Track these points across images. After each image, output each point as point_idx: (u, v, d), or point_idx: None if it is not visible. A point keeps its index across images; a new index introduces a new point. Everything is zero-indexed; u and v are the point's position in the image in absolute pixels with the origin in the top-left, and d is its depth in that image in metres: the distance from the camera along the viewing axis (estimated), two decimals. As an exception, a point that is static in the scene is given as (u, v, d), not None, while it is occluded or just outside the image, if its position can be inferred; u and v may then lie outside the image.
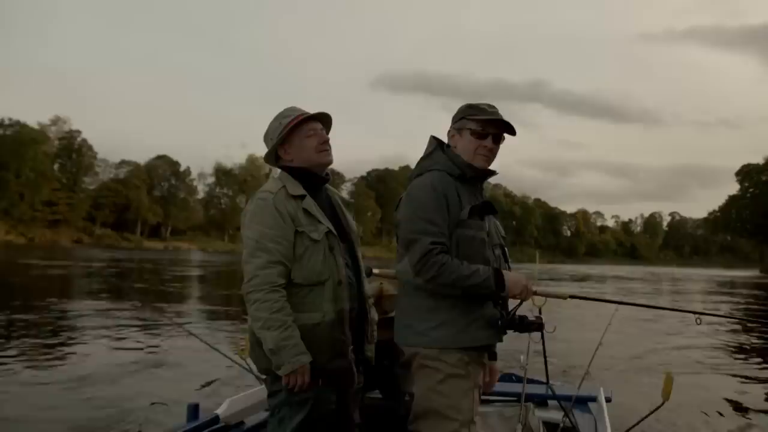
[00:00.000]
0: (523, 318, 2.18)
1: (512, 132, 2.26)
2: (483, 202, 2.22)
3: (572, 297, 2.46)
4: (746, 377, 8.24)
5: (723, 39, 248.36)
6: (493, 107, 2.26)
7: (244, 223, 2.34)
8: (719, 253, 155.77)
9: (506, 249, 2.38)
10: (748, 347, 10.76)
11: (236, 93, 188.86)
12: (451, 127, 2.29)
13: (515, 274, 2.16)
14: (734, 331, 12.93)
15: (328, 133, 2.51)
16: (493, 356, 2.41)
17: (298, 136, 2.43)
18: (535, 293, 2.22)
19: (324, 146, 2.45)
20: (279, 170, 2.51)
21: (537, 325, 2.21)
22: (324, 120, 2.50)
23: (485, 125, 2.21)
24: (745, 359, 9.66)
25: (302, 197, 2.35)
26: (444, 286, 2.08)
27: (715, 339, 11.60)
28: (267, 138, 2.49)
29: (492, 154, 2.26)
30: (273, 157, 2.50)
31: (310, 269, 2.29)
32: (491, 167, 2.30)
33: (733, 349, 10.56)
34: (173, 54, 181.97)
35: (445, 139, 2.34)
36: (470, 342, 2.13)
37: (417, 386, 2.15)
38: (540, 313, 3.08)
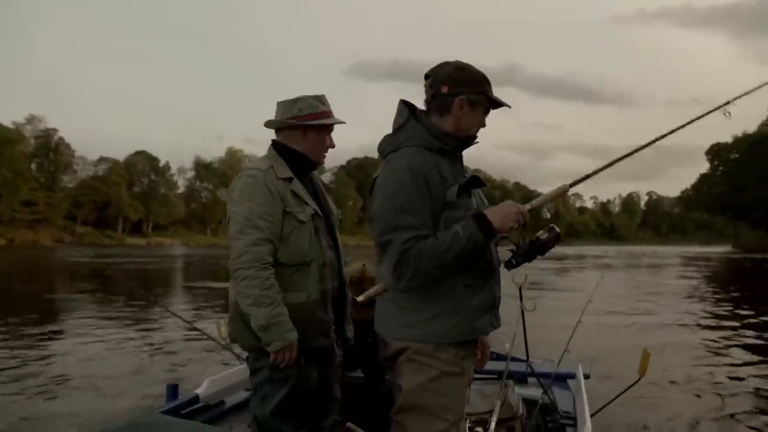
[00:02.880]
0: (535, 241, 1.92)
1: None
2: (470, 179, 1.95)
3: (573, 185, 2.00)
4: (723, 353, 8.35)
5: (692, 19, 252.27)
6: None
7: (232, 199, 2.29)
8: (696, 230, 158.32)
9: None
10: (726, 324, 10.91)
11: (211, 84, 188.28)
12: (464, 96, 1.95)
13: (500, 207, 1.87)
14: (713, 308, 13.36)
15: None
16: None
17: (320, 131, 2.43)
18: (531, 209, 1.91)
19: (326, 152, 2.50)
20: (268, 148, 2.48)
21: (554, 238, 1.93)
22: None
23: (492, 104, 2.04)
24: (723, 336, 9.75)
25: (290, 180, 2.34)
26: (429, 275, 1.83)
27: (693, 316, 11.93)
28: (291, 106, 2.41)
29: None
30: (279, 125, 2.45)
31: (295, 250, 2.28)
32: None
33: (711, 326, 10.74)
34: (146, 48, 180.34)
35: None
36: (468, 334, 1.92)
37: (405, 380, 1.92)
38: (521, 292, 3.25)
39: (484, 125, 2.04)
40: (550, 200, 1.99)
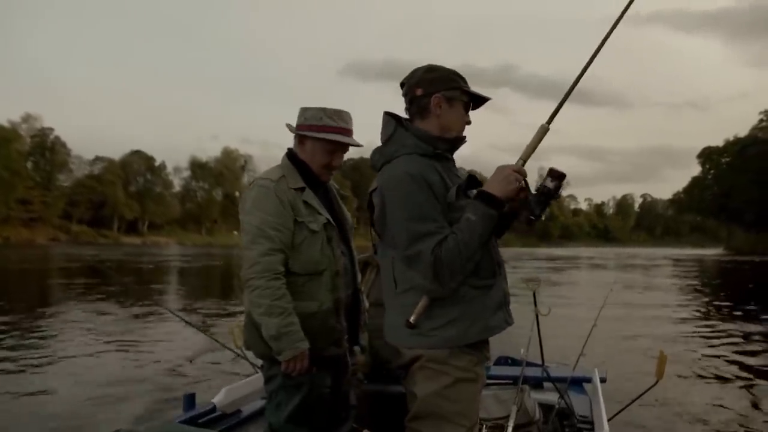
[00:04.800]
0: (542, 189, 1.87)
1: (475, 108, 2.09)
2: (468, 179, 1.96)
3: (551, 120, 1.92)
4: (740, 354, 8.30)
5: (686, 23, 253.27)
6: None
7: (245, 209, 2.31)
8: (690, 232, 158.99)
9: None
10: (742, 328, 10.85)
11: (205, 83, 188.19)
12: (439, 93, 1.96)
13: (494, 176, 1.86)
14: (727, 312, 13.44)
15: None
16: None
17: (320, 145, 2.38)
18: (524, 163, 1.88)
19: (328, 171, 2.44)
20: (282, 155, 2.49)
21: (558, 178, 1.86)
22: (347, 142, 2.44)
23: (471, 99, 2.03)
24: (739, 337, 9.72)
25: (302, 189, 2.34)
26: (464, 270, 1.84)
27: (708, 319, 12.09)
28: (301, 114, 2.42)
29: None
30: (290, 130, 2.46)
31: (307, 259, 2.29)
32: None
33: (726, 329, 10.69)
34: (142, 47, 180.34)
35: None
36: (484, 333, 1.93)
37: (420, 387, 1.92)
38: (535, 297, 3.24)
39: (469, 122, 2.04)
40: (535, 146, 1.90)
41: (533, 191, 1.88)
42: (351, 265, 2.48)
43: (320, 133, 2.36)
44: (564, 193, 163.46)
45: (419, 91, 1.98)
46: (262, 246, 2.23)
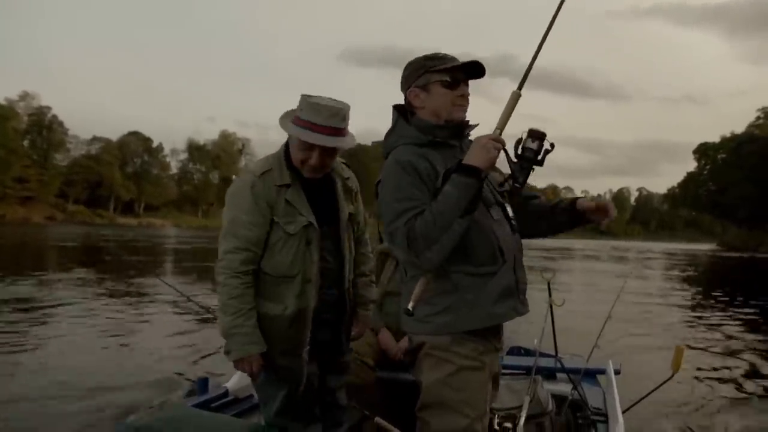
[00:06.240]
0: (524, 153, 1.85)
1: (481, 74, 2.01)
2: (457, 164, 1.85)
3: (521, 86, 1.88)
4: (758, 349, 8.22)
5: (686, 17, 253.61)
6: (446, 54, 2.01)
7: (226, 201, 2.27)
8: (684, 227, 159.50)
9: (507, 207, 2.03)
10: (758, 321, 10.85)
11: (203, 66, 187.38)
12: (411, 87, 1.98)
13: (472, 147, 1.82)
14: (744, 306, 13.28)
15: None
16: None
17: (295, 140, 2.23)
18: (501, 132, 1.84)
19: (310, 169, 2.25)
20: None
21: (539, 138, 1.84)
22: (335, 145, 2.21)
23: (455, 72, 1.96)
24: (756, 333, 9.64)
25: (287, 186, 2.23)
26: (441, 241, 1.77)
27: (725, 313, 12.00)
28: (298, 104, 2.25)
29: (468, 102, 2.01)
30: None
31: (279, 262, 2.21)
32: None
33: (742, 323, 10.62)
34: (140, 28, 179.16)
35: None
36: (486, 321, 1.89)
37: (425, 376, 1.92)
38: (549, 287, 3.25)
39: (462, 95, 1.98)
40: (510, 113, 1.87)
41: (514, 156, 1.86)
42: (338, 266, 2.37)
43: (296, 128, 2.20)
44: (560, 185, 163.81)
45: (404, 94, 2.02)
46: (228, 243, 2.19)
